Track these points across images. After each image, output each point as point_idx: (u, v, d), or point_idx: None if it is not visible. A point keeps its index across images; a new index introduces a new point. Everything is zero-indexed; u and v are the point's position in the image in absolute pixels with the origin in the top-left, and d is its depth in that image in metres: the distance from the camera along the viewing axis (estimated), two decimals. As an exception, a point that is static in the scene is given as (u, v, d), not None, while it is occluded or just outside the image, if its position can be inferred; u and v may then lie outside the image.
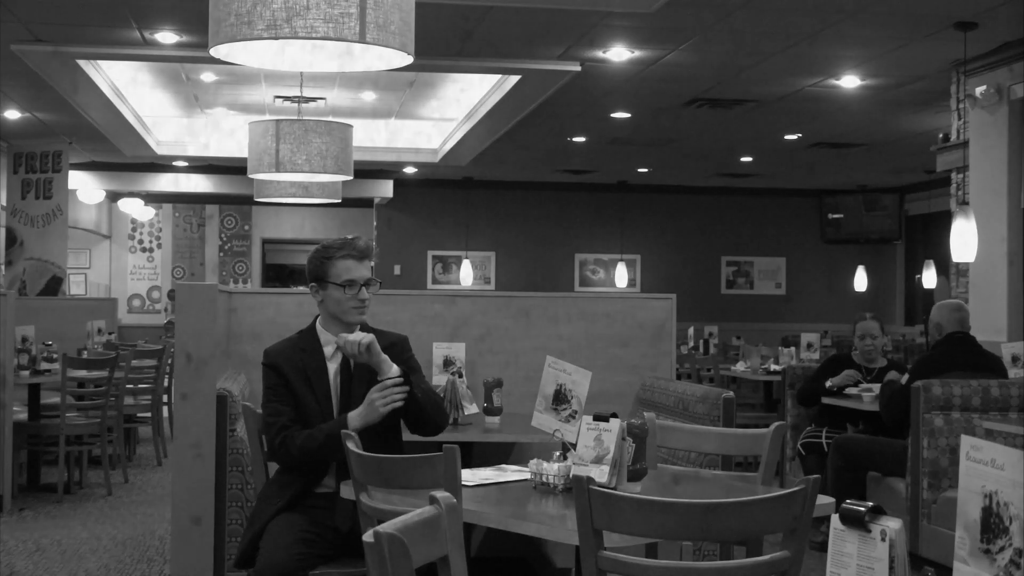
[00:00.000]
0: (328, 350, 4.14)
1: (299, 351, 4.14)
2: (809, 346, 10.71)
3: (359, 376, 4.09)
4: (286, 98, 12.11)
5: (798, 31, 8.65)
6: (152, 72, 11.53)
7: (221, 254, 19.23)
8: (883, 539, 2.00)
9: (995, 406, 6.36)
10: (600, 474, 3.16)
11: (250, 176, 8.41)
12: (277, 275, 20.42)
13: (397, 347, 4.16)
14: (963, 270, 9.31)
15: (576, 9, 8.01)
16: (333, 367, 4.14)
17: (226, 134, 14.12)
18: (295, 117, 8.65)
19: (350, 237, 4.18)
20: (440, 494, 2.30)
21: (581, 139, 14.28)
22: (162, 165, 16.38)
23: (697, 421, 4.87)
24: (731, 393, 5.06)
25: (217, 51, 3.61)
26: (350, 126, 8.13)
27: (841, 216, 18.83)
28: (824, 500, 3.02)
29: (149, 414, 9.96)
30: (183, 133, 14.37)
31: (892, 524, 2.02)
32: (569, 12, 8.11)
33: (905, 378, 6.90)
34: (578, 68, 9.64)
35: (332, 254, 4.08)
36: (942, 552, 5.92)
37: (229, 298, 6.01)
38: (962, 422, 6.32)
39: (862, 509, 2.02)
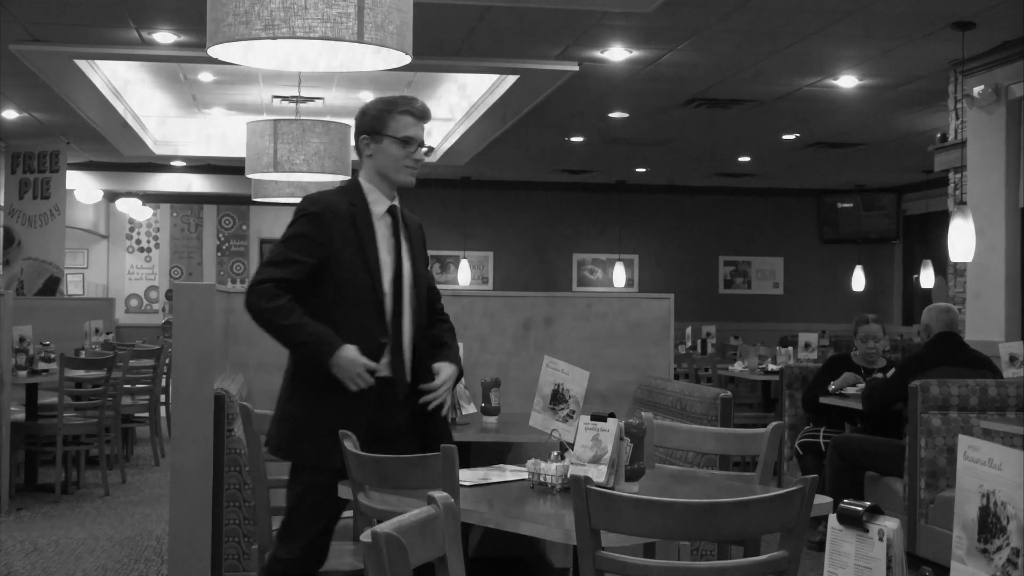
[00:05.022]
0: (377, 210, 3.83)
1: (348, 205, 3.79)
2: (807, 346, 10.72)
3: (411, 250, 3.88)
4: (284, 98, 12.11)
5: (796, 31, 8.65)
6: (150, 72, 11.53)
7: (219, 254, 19.22)
8: (881, 539, 2.00)
9: (992, 406, 6.36)
10: (598, 474, 3.16)
11: (248, 176, 8.41)
12: (275, 275, 20.41)
13: (421, 231, 4.02)
14: (961, 270, 9.32)
15: (574, 9, 8.02)
16: (383, 230, 3.83)
17: (224, 134, 14.12)
18: (293, 117, 8.66)
19: (409, 95, 3.94)
20: (438, 494, 2.30)
21: (579, 139, 14.28)
22: (160, 165, 16.38)
23: (695, 421, 4.88)
24: (729, 393, 5.07)
25: (215, 51, 3.61)
26: (348, 126, 8.12)
27: (840, 215, 18.85)
28: (822, 500, 3.02)
29: (147, 414, 9.97)
30: (181, 133, 14.37)
31: (890, 524, 2.02)
32: (567, 12, 8.11)
33: (891, 373, 6.97)
34: (576, 68, 9.64)
35: (393, 108, 3.81)
36: (940, 552, 5.92)
37: (227, 298, 6.01)
38: (960, 422, 6.32)
39: (860, 509, 2.02)
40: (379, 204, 3.84)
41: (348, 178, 3.93)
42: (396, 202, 3.88)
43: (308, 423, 3.72)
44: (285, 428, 3.78)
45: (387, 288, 3.79)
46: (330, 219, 3.74)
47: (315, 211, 3.75)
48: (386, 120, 3.81)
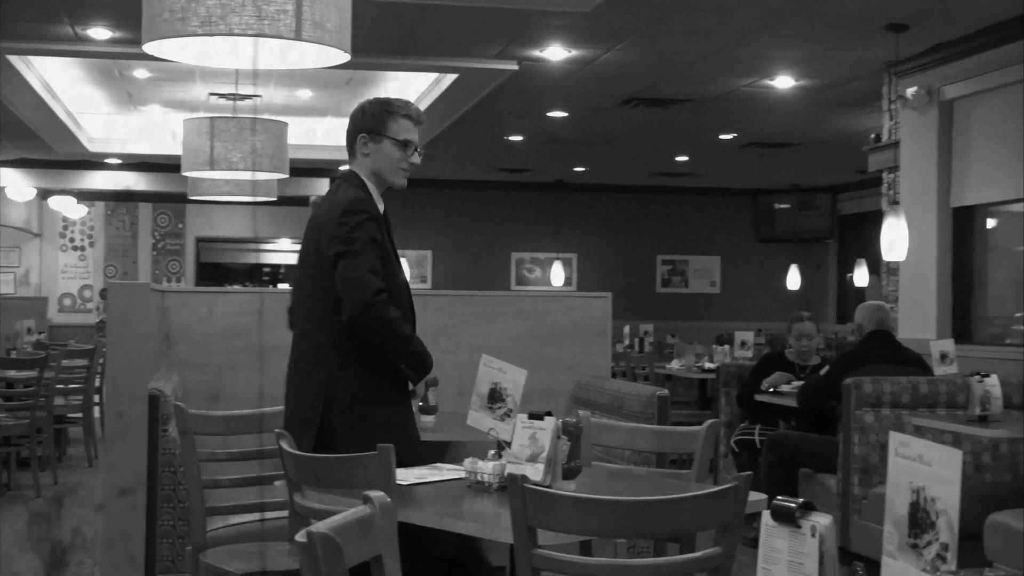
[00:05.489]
0: (380, 207, 3.96)
1: (378, 209, 3.89)
2: (743, 344, 10.80)
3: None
4: (221, 95, 12.01)
5: (733, 31, 8.71)
6: (84, 68, 11.39)
7: (154, 253, 19.03)
8: (813, 535, 2.02)
9: (924, 403, 6.46)
10: (535, 472, 3.17)
11: (184, 174, 8.34)
12: (212, 274, 20.22)
13: None
14: (893, 269, 9.43)
15: (513, 8, 8.02)
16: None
17: (160, 131, 13.98)
18: (230, 115, 8.59)
19: (405, 99, 4.04)
20: (374, 493, 2.29)
21: (518, 138, 14.29)
22: (94, 163, 16.18)
23: (632, 419, 4.90)
24: (665, 391, 5.09)
25: (150, 47, 3.58)
26: (286, 124, 8.08)
27: (776, 214, 19.01)
28: (756, 497, 3.05)
29: (80, 414, 9.85)
30: (116, 130, 14.21)
31: (822, 520, 2.04)
32: (506, 11, 8.11)
33: (824, 371, 7.07)
34: (515, 67, 9.65)
35: (395, 110, 3.92)
36: (872, 547, 5.99)
37: (162, 297, 5.96)
38: (892, 419, 6.40)
39: (793, 505, 2.04)
40: (380, 204, 3.96)
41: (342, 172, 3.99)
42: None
43: (389, 426, 3.71)
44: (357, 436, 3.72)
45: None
46: (379, 221, 3.85)
47: (374, 214, 3.84)
48: (387, 121, 3.91)
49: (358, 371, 3.81)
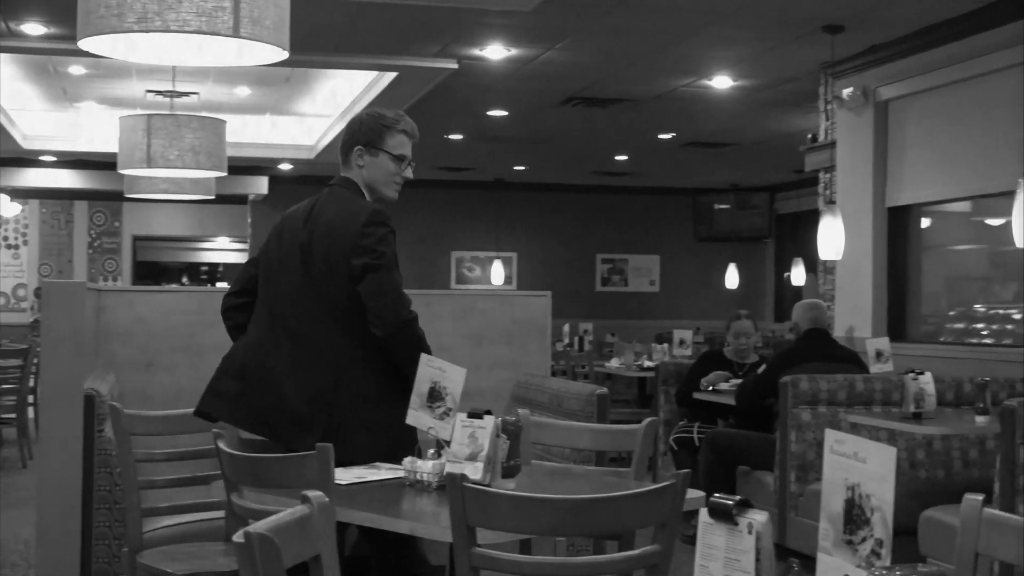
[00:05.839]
0: None
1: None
2: (682, 342, 10.87)
3: None
4: (158, 92, 11.89)
5: (672, 31, 8.76)
6: (18, 64, 11.23)
7: (90, 251, 18.83)
8: (750, 532, 2.04)
9: (860, 400, 6.52)
10: (474, 471, 3.17)
11: (120, 172, 8.26)
12: (148, 273, 20.04)
13: None
14: (830, 268, 9.52)
15: (453, 6, 8.02)
16: None
17: (96, 128, 13.83)
18: (167, 112, 8.52)
19: (402, 113, 4.08)
20: (312, 493, 2.28)
21: (458, 137, 14.28)
22: (28, 160, 15.96)
23: (571, 417, 4.91)
24: (605, 390, 5.11)
25: (86, 44, 3.54)
26: (223, 121, 8.03)
27: (714, 213, 19.14)
28: (695, 494, 3.06)
29: (14, 415, 9.71)
30: (51, 127, 14.04)
31: (758, 517, 2.05)
32: (446, 9, 8.10)
33: (762, 369, 7.12)
34: (455, 66, 9.64)
35: (391, 124, 3.98)
36: (809, 543, 6.05)
37: (98, 296, 5.90)
38: (828, 416, 6.47)
39: (730, 503, 2.06)
40: None
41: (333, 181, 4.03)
42: None
43: (398, 427, 3.68)
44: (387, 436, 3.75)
45: None
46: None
47: (393, 228, 3.90)
48: (384, 136, 3.96)
49: (362, 373, 3.82)
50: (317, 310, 3.84)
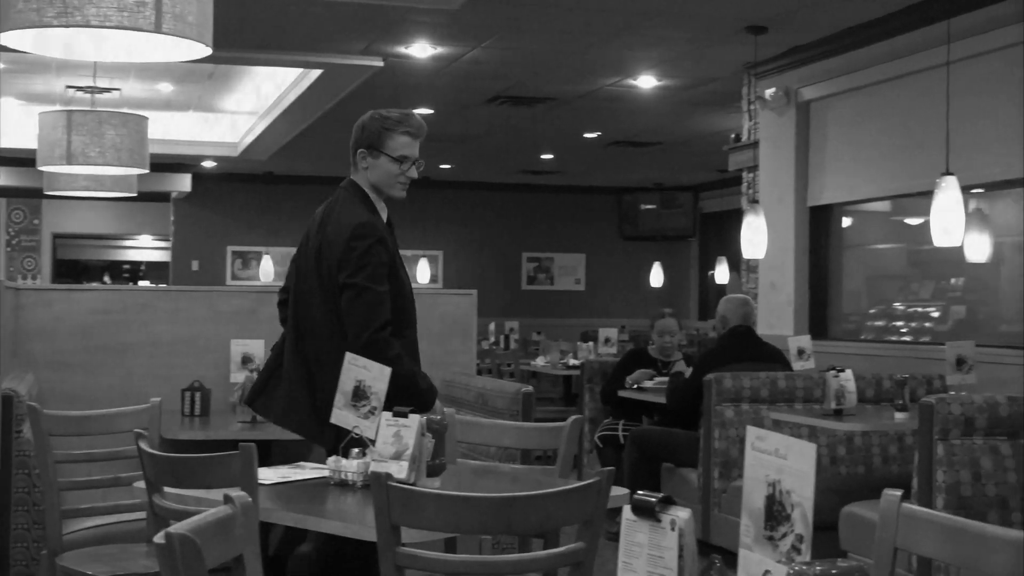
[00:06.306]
0: (384, 215, 4.07)
1: (382, 220, 4.00)
2: (607, 341, 10.92)
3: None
4: (79, 88, 11.73)
5: (597, 31, 8.80)
6: (-67, 58, 11.03)
7: (9, 249, 18.52)
8: (673, 528, 2.05)
9: (782, 397, 6.60)
10: (399, 470, 3.16)
11: (40, 168, 8.12)
12: (69, 271, 19.77)
13: None
14: (753, 266, 9.61)
15: (379, 4, 7.98)
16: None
17: (14, 125, 13.59)
18: (88, 108, 8.39)
19: (408, 112, 4.11)
20: (235, 493, 2.26)
21: (383, 135, 14.21)
22: (-56, 156, 15.68)
23: (497, 416, 4.92)
24: (530, 388, 5.12)
25: (4, 38, 3.48)
26: (146, 118, 7.92)
27: (639, 212, 19.24)
28: (619, 491, 3.08)
29: (-70, 416, 9.53)
30: (-33, 123, 13.78)
31: (681, 514, 2.07)
32: (372, 7, 8.07)
33: (690, 370, 7.17)
34: (381, 64, 9.61)
35: (392, 126, 4.01)
36: (732, 539, 6.10)
37: (16, 295, 5.80)
38: (751, 413, 6.53)
39: (653, 500, 2.07)
40: (384, 214, 4.06)
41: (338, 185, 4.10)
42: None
43: None
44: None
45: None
46: (387, 240, 3.92)
47: (380, 236, 3.90)
48: (384, 138, 3.99)
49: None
50: (314, 312, 3.95)
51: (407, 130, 4.02)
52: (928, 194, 6.86)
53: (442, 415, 3.86)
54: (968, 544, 2.17)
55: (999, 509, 4.75)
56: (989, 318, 8.73)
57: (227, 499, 2.24)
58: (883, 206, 9.55)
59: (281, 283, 4.34)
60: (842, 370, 5.74)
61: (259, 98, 12.42)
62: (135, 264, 21.19)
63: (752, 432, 2.11)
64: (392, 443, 3.24)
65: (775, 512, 2.02)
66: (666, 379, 7.52)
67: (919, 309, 9.28)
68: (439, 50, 9.44)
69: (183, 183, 17.12)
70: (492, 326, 14.10)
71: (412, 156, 4.04)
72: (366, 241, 3.88)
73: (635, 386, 7.58)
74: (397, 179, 4.03)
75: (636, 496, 2.11)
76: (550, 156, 16.15)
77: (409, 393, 3.75)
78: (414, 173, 4.07)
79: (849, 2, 7.80)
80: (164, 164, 15.04)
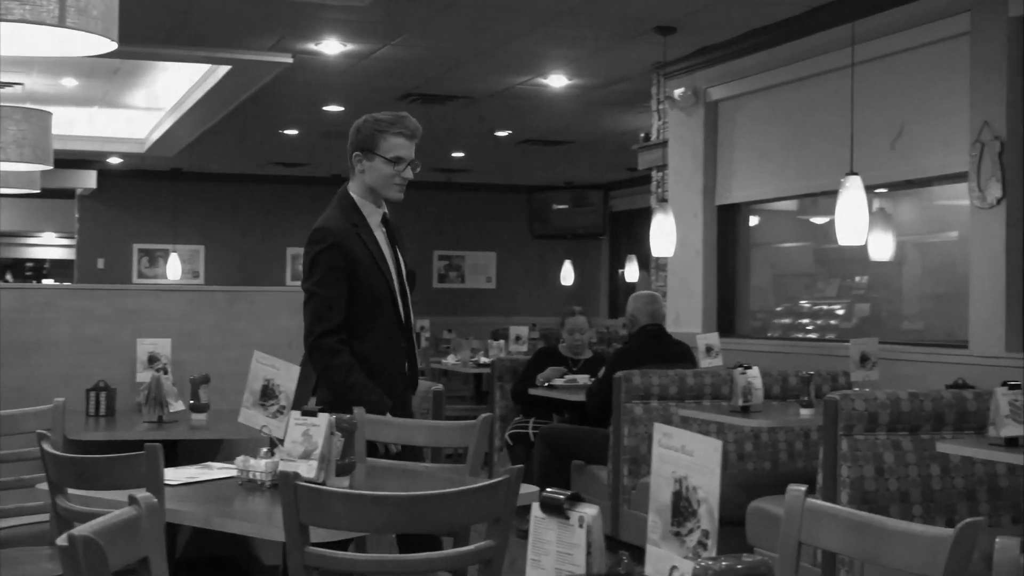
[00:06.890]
0: (373, 221, 4.13)
1: (351, 226, 4.05)
2: (518, 339, 10.94)
3: (402, 253, 4.21)
4: (-21, 82, 11.50)
5: (507, 29, 8.81)
6: None
7: (-93, 246, 18.10)
8: (581, 525, 2.07)
9: (690, 394, 6.67)
10: (308, 469, 3.14)
11: (-62, 164, 7.95)
12: (-29, 269, 19.38)
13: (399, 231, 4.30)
14: (662, 264, 9.69)
15: (288, 0, 7.93)
16: (381, 239, 4.15)
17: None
18: (-11, 102, 8.23)
19: (402, 114, 4.14)
20: (140, 494, 2.24)
21: (293, 132, 14.13)
22: None
23: (407, 414, 4.90)
24: (440, 386, 5.13)
25: (-102, 31, 3.40)
26: (49, 113, 7.78)
27: (550, 211, 19.30)
28: (529, 489, 3.09)
29: None
30: None
31: (589, 511, 2.08)
32: (281, 2, 8.01)
33: (602, 371, 7.20)
34: (290, 60, 9.53)
35: (385, 128, 4.07)
36: (641, 536, 6.13)
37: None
38: (660, 410, 6.59)
39: (561, 497, 2.08)
40: (374, 216, 4.14)
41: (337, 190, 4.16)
42: (385, 209, 4.19)
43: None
44: None
45: (397, 292, 4.06)
46: (345, 243, 3.99)
47: (332, 242, 3.98)
48: (378, 140, 4.06)
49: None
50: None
51: (400, 131, 4.09)
52: (833, 194, 6.97)
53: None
54: (870, 538, 2.21)
55: (901, 503, 4.84)
56: (892, 315, 8.90)
57: (132, 500, 2.21)
58: (790, 205, 9.68)
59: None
60: (749, 367, 5.81)
61: (166, 94, 12.26)
62: (39, 262, 20.81)
63: (659, 429, 2.13)
64: (301, 442, 3.22)
65: (682, 508, 2.04)
66: (576, 378, 7.56)
67: (824, 307, 9.42)
68: (349, 47, 9.40)
69: (88, 180, 16.84)
70: (403, 324, 14.04)
71: (407, 157, 4.11)
72: (316, 246, 3.99)
73: (546, 384, 7.61)
74: (392, 180, 4.10)
75: (544, 493, 2.12)
76: (461, 154, 16.14)
77: (347, 405, 3.76)
78: (409, 174, 4.14)
79: (756, 4, 7.89)
80: (69, 160, 14.79)
